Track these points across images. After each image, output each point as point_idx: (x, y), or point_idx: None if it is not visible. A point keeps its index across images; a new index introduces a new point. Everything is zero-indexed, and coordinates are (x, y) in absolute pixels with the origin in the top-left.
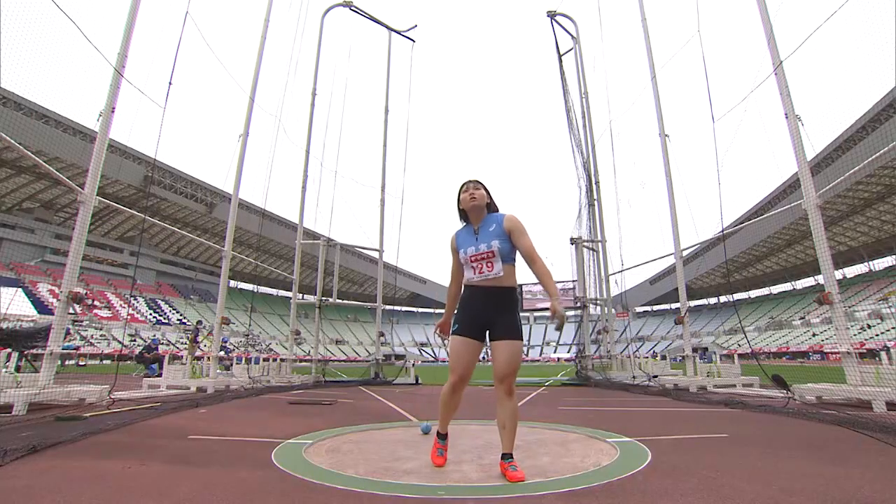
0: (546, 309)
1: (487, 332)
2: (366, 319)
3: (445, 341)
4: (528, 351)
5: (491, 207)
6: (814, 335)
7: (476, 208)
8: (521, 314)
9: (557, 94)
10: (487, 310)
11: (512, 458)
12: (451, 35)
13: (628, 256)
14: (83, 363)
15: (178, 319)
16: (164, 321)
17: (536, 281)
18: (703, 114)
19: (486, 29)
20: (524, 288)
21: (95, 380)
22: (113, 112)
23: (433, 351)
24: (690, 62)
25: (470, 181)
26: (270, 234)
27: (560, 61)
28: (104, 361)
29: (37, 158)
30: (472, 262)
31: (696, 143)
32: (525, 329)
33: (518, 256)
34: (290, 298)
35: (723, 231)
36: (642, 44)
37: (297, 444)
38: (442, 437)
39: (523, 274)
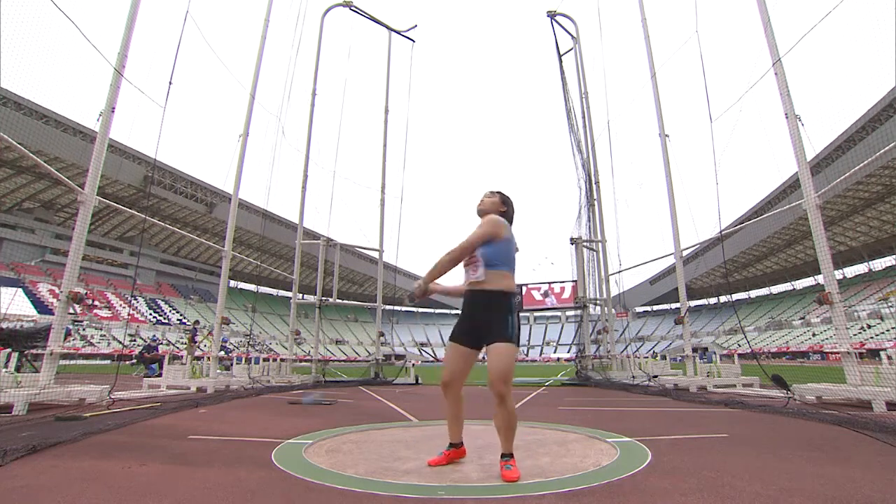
0: (546, 309)
1: (481, 339)
2: (366, 319)
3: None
4: (527, 351)
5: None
6: (814, 335)
7: (479, 213)
8: (521, 314)
9: (558, 94)
10: (475, 313)
11: (510, 457)
12: (452, 35)
13: (628, 257)
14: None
15: (178, 319)
16: (164, 321)
17: (537, 281)
18: (702, 113)
19: (486, 29)
20: (524, 288)
21: (95, 380)
22: (113, 112)
23: (433, 351)
24: (689, 62)
25: (490, 190)
26: (270, 234)
27: (560, 61)
28: (99, 361)
29: (37, 158)
30: (464, 264)
31: (694, 142)
32: (525, 329)
33: (512, 262)
34: (291, 298)
35: (721, 232)
36: (642, 43)
37: (297, 444)
38: (449, 445)
39: (524, 275)
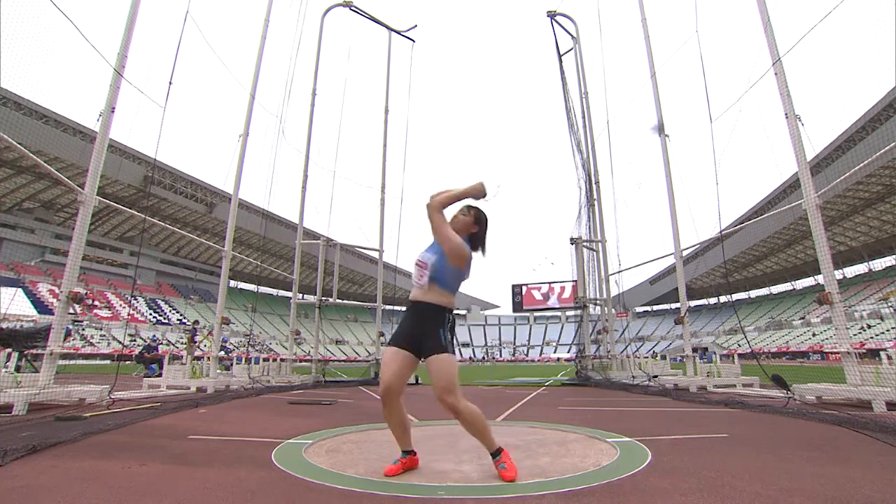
0: (546, 309)
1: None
2: (366, 319)
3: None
4: (527, 351)
5: (473, 240)
6: (814, 335)
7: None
8: (521, 314)
9: (558, 94)
10: (413, 324)
11: (499, 455)
12: (452, 35)
13: (628, 257)
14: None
15: (178, 319)
16: (163, 321)
17: (537, 281)
18: (702, 113)
19: (486, 29)
20: (524, 288)
21: (95, 380)
22: (113, 112)
23: None
24: (689, 62)
25: (466, 206)
26: (270, 233)
27: (560, 61)
28: (99, 361)
29: (37, 158)
30: (416, 263)
31: (694, 142)
32: (525, 329)
33: (456, 287)
34: (290, 298)
35: (721, 232)
36: (642, 43)
37: (297, 444)
38: (403, 452)
39: (524, 274)
